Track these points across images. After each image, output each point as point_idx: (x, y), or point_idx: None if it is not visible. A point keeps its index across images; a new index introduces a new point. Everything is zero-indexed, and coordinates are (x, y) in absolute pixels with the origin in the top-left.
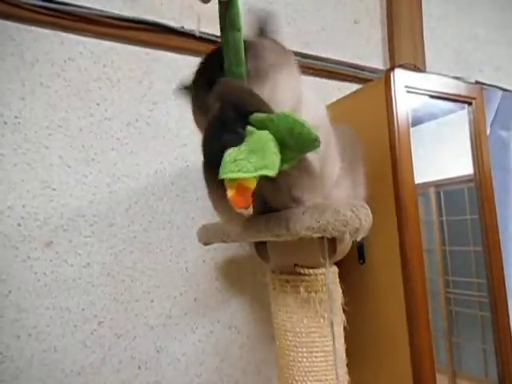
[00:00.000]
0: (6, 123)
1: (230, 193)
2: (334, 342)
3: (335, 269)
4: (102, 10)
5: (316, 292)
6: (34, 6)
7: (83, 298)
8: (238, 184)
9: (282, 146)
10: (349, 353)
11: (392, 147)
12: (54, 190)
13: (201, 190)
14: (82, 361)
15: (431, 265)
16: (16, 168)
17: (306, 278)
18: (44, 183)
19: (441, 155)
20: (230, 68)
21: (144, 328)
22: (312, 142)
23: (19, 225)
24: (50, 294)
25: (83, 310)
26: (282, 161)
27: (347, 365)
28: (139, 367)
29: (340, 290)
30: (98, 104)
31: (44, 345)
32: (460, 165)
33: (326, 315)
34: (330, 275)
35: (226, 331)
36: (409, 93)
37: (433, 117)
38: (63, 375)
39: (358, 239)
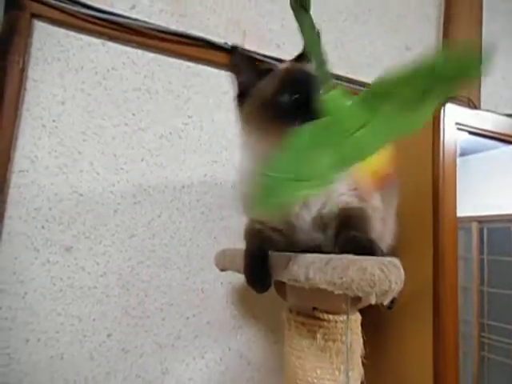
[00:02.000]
0: (44, 126)
1: None
2: None
3: (358, 316)
4: (147, 22)
5: (334, 341)
6: (87, 15)
7: (95, 308)
8: None
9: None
10: None
11: (435, 184)
12: (81, 195)
13: (226, 210)
14: (86, 372)
15: (466, 305)
16: (47, 171)
17: (325, 323)
18: (72, 188)
19: (488, 189)
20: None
21: (152, 346)
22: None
23: (43, 227)
24: (64, 300)
25: (94, 320)
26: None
27: None
28: None
29: (361, 341)
30: (133, 114)
31: (51, 351)
32: (508, 202)
33: (342, 368)
34: (351, 324)
35: (236, 360)
36: (459, 130)
37: (482, 148)
38: None
39: (385, 303)
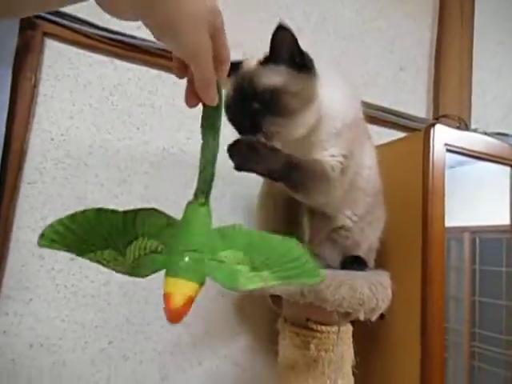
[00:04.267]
0: (52, 139)
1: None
2: None
3: (349, 327)
4: (152, 41)
5: (326, 351)
6: (96, 34)
7: (98, 316)
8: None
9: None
10: None
11: (424, 203)
12: (86, 206)
13: (225, 223)
14: (88, 378)
15: (457, 315)
16: (55, 181)
17: (318, 334)
18: (78, 199)
19: (480, 200)
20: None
21: (152, 353)
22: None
23: None
24: (68, 306)
25: (96, 327)
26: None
27: None
28: None
29: (352, 351)
30: (137, 128)
31: (54, 357)
32: (500, 213)
33: (332, 377)
34: (342, 334)
35: (231, 367)
36: (448, 151)
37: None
38: None
39: (373, 319)
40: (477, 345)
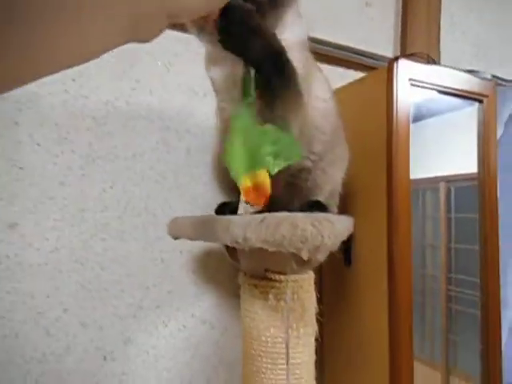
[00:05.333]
0: None
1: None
2: (287, 355)
3: (311, 275)
4: None
5: (285, 300)
6: None
7: (49, 284)
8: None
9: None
10: (329, 359)
11: (389, 142)
12: (21, 168)
13: (181, 178)
14: (44, 348)
15: (434, 262)
16: None
17: (276, 284)
18: (10, 161)
19: (454, 149)
20: None
21: (112, 318)
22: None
23: None
24: (13, 277)
25: (48, 296)
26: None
27: (317, 378)
28: (105, 358)
29: (314, 299)
30: (73, 80)
31: (4, 330)
32: (471, 161)
33: (294, 325)
34: (303, 282)
35: (199, 326)
36: (413, 86)
37: (447, 109)
38: (23, 361)
39: (320, 258)
40: (453, 288)
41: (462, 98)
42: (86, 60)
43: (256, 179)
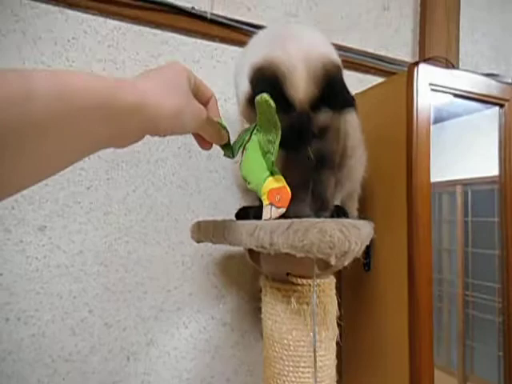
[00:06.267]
0: None
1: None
2: (314, 358)
3: (332, 279)
4: None
5: (308, 304)
6: None
7: (75, 286)
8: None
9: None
10: (348, 363)
11: (409, 147)
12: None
13: (203, 183)
14: (70, 348)
15: (451, 266)
16: None
17: (299, 288)
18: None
19: (472, 153)
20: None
21: (135, 319)
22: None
23: (13, 208)
24: (42, 279)
25: (74, 297)
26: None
27: (337, 381)
28: (128, 358)
29: (335, 303)
30: None
31: (33, 329)
32: (490, 164)
33: (317, 329)
34: (325, 286)
35: (219, 328)
36: (433, 91)
37: (466, 112)
38: (50, 360)
39: (346, 263)
40: (470, 294)
41: (482, 102)
42: (61, 169)
43: (278, 183)
